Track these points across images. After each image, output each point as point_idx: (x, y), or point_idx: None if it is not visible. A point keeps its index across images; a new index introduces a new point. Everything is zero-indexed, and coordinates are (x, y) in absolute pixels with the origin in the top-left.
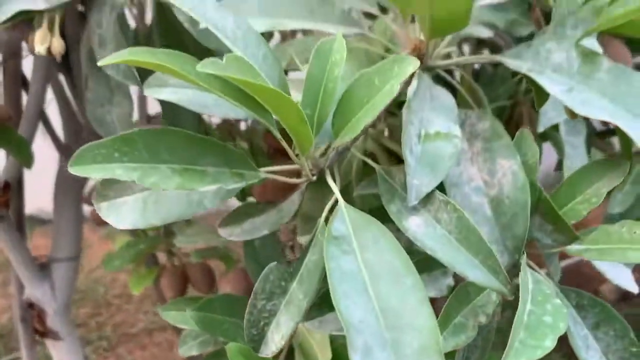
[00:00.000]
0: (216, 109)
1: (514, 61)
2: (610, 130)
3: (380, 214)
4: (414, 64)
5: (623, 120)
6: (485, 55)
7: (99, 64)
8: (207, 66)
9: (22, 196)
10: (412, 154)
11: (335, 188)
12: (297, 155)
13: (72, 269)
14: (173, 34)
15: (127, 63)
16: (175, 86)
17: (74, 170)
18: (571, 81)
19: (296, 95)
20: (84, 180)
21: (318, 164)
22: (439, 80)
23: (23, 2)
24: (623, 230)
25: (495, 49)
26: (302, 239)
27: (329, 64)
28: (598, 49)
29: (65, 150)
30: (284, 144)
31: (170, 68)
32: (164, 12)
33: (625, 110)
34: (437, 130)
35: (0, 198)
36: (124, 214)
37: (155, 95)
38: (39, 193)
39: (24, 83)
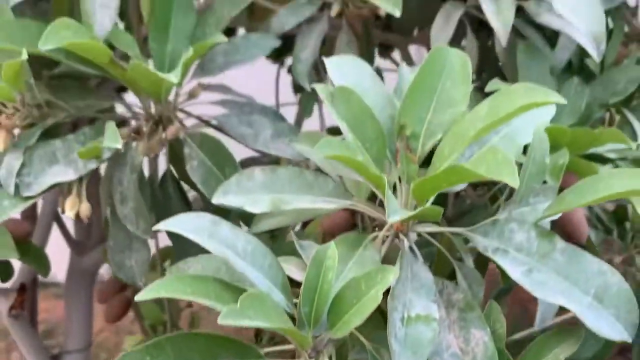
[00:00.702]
0: None
1: (483, 239)
2: None
3: None
4: (394, 275)
5: (576, 304)
6: (461, 230)
7: (137, 299)
8: (228, 316)
9: (36, 294)
10: (396, 339)
11: None
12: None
13: None
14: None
15: (161, 296)
16: None
17: None
18: (531, 260)
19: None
20: (95, 274)
21: (316, 346)
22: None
23: (56, 176)
24: None
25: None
26: None
27: (324, 268)
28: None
29: (77, 246)
30: None
31: (203, 300)
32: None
33: (578, 289)
34: (417, 313)
35: (17, 299)
36: None
37: None
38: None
39: None
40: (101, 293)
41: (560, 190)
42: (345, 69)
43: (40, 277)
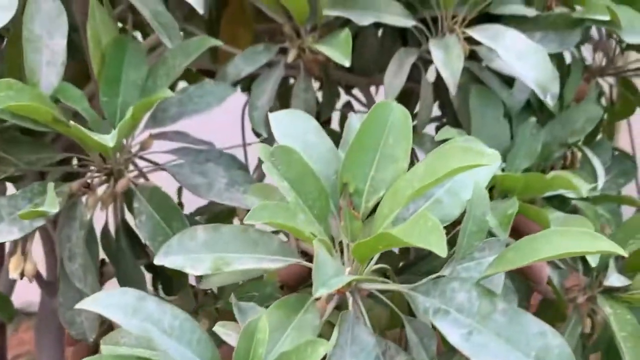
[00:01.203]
0: None
1: (425, 299)
2: None
3: None
4: (325, 347)
5: None
6: (401, 286)
7: None
8: None
9: (5, 337)
10: None
11: None
12: None
13: None
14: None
15: None
16: None
17: None
18: (472, 322)
19: None
20: None
21: None
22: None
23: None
24: None
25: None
26: None
27: (254, 342)
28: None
29: (47, 287)
30: None
31: None
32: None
33: (519, 352)
34: None
35: None
36: None
37: None
38: (27, 287)
39: None
40: (69, 336)
41: (513, 231)
42: (290, 124)
43: (23, 306)
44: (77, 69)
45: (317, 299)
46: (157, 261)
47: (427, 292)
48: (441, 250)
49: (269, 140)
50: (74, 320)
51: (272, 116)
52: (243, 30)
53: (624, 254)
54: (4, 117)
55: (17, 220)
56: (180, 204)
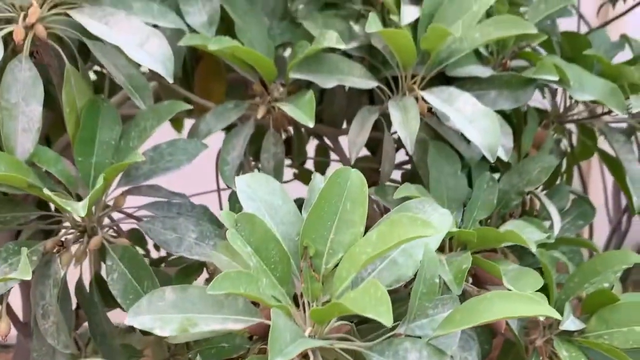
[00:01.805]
0: None
1: (380, 358)
2: None
3: None
4: None
5: None
6: (359, 345)
7: None
8: None
9: None
10: None
11: None
12: None
13: None
14: None
15: None
16: None
17: None
18: None
19: None
20: None
21: None
22: None
23: None
24: None
25: None
26: None
27: None
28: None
29: (23, 328)
30: None
31: None
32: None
33: None
34: None
35: None
36: None
37: None
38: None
39: None
40: None
41: (474, 277)
42: (255, 188)
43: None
44: (54, 118)
45: None
46: (128, 322)
47: (381, 352)
48: (387, 321)
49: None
50: None
51: (238, 180)
52: (216, 85)
53: (559, 317)
54: None
55: None
56: None
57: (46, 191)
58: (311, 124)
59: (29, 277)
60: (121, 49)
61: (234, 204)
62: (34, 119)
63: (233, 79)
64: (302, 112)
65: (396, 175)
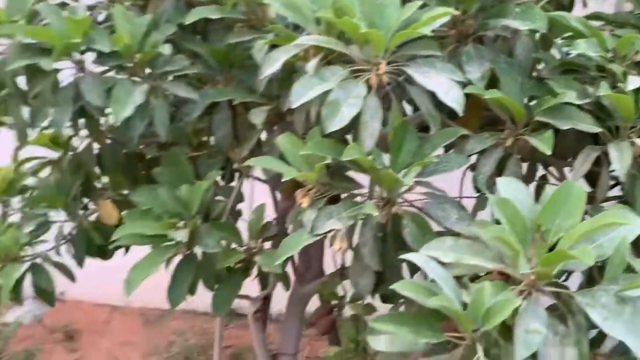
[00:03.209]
0: None
1: (583, 298)
2: None
3: None
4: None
5: None
6: (569, 292)
7: None
8: None
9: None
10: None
11: None
12: None
13: None
14: None
15: None
16: None
17: None
18: (608, 313)
19: None
20: (308, 300)
21: None
22: None
23: (332, 225)
24: None
25: None
26: None
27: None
28: None
29: (300, 276)
30: None
31: None
32: None
33: (635, 335)
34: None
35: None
36: None
37: None
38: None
39: None
40: (315, 315)
41: None
42: (509, 185)
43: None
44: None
45: None
46: (423, 252)
47: (584, 295)
48: (589, 260)
49: (484, 197)
50: (357, 283)
51: (499, 180)
52: (473, 119)
53: None
54: None
55: (341, 218)
56: None
57: (388, 171)
58: (548, 152)
59: (376, 213)
60: (433, 93)
61: (481, 203)
62: (375, 130)
63: (486, 116)
64: (542, 143)
65: None
